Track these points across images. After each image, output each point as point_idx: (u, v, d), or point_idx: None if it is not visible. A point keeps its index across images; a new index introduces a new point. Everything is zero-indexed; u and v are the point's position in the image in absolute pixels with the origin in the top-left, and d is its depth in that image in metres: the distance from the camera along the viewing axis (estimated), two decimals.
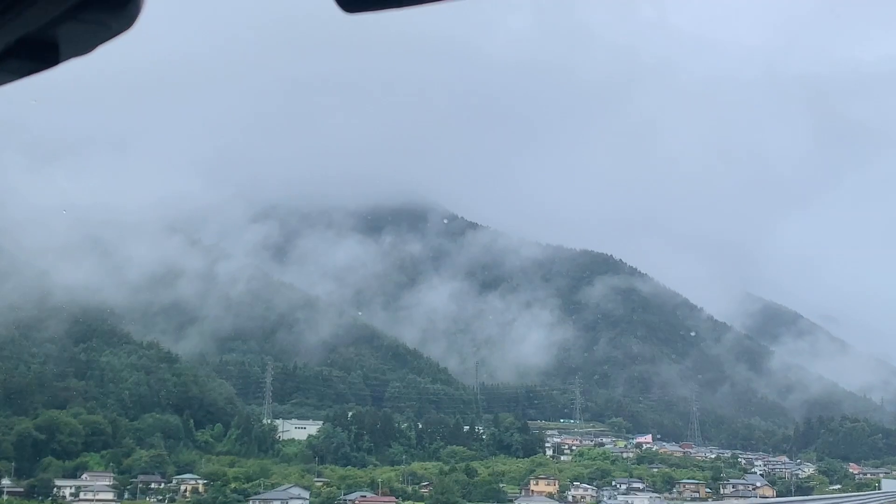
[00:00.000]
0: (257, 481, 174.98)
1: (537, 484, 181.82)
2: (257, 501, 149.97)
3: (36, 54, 2.03)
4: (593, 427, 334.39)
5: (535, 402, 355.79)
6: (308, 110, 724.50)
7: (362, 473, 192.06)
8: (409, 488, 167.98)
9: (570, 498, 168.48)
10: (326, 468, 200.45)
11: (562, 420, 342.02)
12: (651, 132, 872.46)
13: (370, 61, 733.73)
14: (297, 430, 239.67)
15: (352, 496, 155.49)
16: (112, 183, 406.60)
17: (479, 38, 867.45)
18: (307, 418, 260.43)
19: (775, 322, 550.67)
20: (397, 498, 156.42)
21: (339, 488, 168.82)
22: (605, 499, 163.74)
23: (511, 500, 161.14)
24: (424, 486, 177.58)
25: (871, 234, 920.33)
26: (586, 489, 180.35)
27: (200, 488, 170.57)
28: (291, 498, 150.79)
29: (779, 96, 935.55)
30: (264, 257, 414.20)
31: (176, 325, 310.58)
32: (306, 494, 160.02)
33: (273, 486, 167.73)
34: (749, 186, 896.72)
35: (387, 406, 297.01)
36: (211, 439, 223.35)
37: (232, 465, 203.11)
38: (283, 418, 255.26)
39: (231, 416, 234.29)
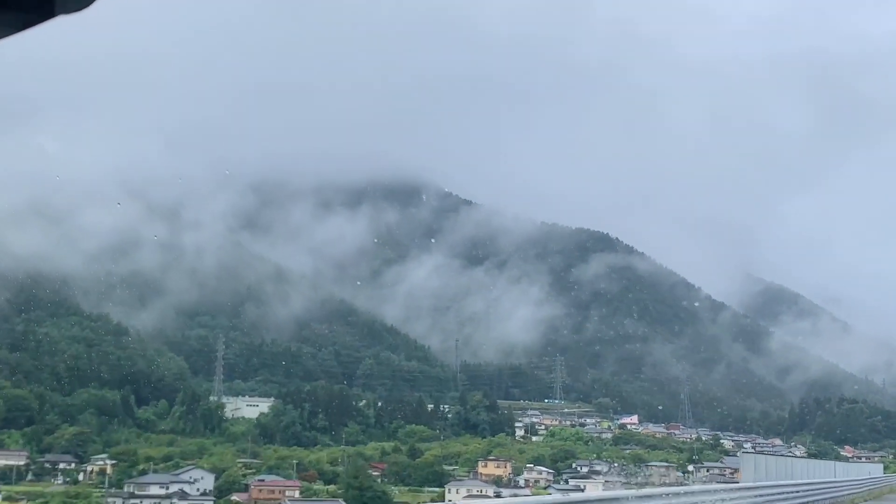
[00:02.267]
0: (173, 462, 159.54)
1: (486, 466, 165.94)
2: (133, 485, 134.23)
3: (29, 5, 1.89)
4: (578, 407, 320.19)
5: (520, 381, 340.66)
6: (298, 84, 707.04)
7: (306, 454, 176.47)
8: (340, 469, 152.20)
9: (521, 482, 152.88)
10: (268, 448, 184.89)
11: (546, 400, 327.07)
12: (651, 108, 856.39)
13: (362, 34, 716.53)
14: (250, 409, 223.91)
15: (262, 478, 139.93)
16: (69, 148, 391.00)
17: (475, 12, 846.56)
18: (270, 396, 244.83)
19: (776, 303, 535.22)
20: (327, 482, 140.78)
21: (258, 471, 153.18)
22: (560, 482, 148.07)
23: (450, 482, 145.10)
24: (371, 466, 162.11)
25: (877, 215, 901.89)
26: (541, 472, 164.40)
27: (108, 469, 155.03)
28: (179, 483, 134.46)
29: (783, 72, 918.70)
30: (238, 229, 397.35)
31: (136, 296, 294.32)
32: (210, 477, 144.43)
33: (179, 467, 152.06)
34: (752, 165, 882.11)
35: (357, 384, 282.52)
36: (153, 417, 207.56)
37: (170, 444, 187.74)
38: (238, 395, 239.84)
39: (186, 394, 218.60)
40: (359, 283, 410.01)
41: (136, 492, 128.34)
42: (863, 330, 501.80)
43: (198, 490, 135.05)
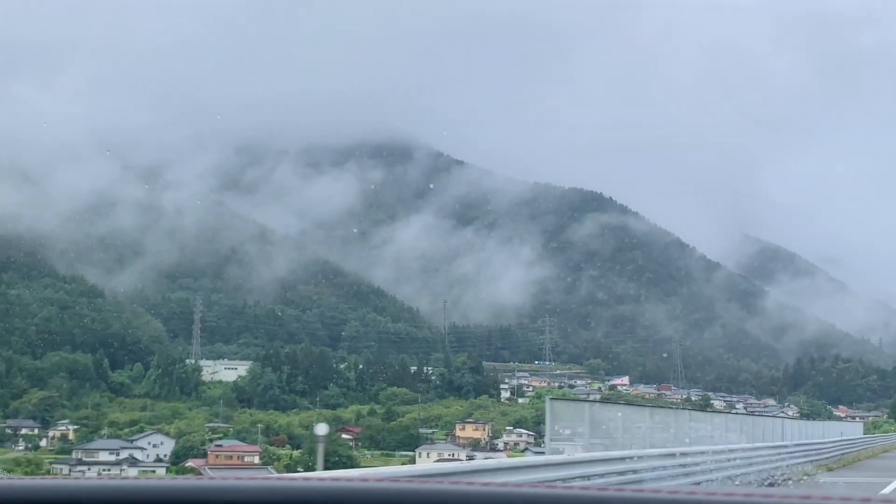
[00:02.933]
0: (137, 426, 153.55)
1: (464, 429, 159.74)
2: (81, 451, 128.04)
3: None
4: (569, 369, 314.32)
5: (510, 342, 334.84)
6: (284, 41, 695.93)
7: (281, 417, 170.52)
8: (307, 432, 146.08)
9: (500, 445, 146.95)
10: (244, 412, 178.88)
11: (536, 362, 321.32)
12: (646, 64, 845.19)
13: None
14: (229, 372, 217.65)
15: (220, 443, 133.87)
16: (44, 104, 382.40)
17: None
18: (250, 359, 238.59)
19: (772, 262, 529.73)
20: (298, 446, 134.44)
21: (225, 435, 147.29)
22: (542, 445, 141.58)
23: (421, 446, 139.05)
24: (347, 430, 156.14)
25: (876, 174, 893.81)
26: (521, 435, 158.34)
27: (70, 435, 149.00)
28: (131, 448, 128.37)
29: (781, 25, 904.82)
30: (221, 190, 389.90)
31: (115, 258, 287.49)
32: (171, 442, 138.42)
33: (140, 432, 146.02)
34: (749, 122, 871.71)
35: (343, 347, 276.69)
36: (128, 381, 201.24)
37: (143, 408, 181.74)
38: (218, 359, 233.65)
39: (161, 357, 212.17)
40: (346, 243, 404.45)
41: (84, 458, 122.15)
42: (860, 290, 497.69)
43: (148, 456, 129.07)
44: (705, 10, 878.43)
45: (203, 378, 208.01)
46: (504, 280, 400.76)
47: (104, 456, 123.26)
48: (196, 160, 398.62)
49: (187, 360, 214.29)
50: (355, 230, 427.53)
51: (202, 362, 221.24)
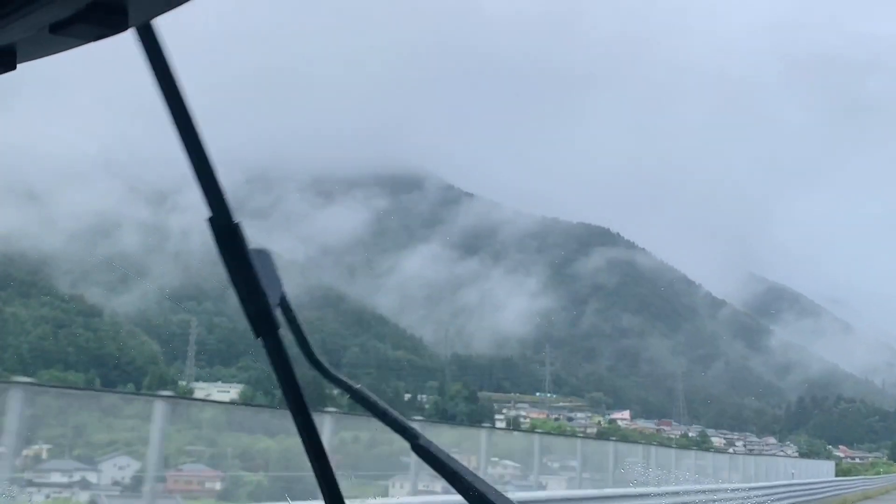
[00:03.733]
0: (113, 447, 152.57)
1: None
2: (32, 472, 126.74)
3: (105, 19, 1.73)
4: (570, 401, 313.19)
5: (512, 373, 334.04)
6: (295, 69, 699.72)
7: (262, 442, 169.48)
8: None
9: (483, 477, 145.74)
10: (231, 436, 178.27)
11: (537, 393, 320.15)
12: (657, 105, 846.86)
13: (363, 21, 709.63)
14: (221, 395, 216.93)
15: (182, 467, 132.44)
16: (49, 122, 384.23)
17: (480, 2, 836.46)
18: (247, 383, 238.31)
19: (777, 302, 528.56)
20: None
21: (198, 459, 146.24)
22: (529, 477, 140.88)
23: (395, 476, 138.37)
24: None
25: (881, 216, 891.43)
26: (506, 467, 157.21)
27: (44, 454, 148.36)
28: (84, 470, 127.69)
29: (789, 71, 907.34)
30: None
31: (119, 279, 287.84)
32: (137, 465, 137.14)
33: (105, 454, 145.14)
34: (758, 163, 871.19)
35: (343, 373, 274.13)
36: (119, 402, 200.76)
37: (132, 429, 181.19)
38: (216, 381, 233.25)
39: (153, 378, 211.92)
40: (352, 271, 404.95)
41: (35, 479, 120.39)
42: (864, 330, 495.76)
43: (102, 479, 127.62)
44: (715, 53, 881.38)
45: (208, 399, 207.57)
46: (508, 311, 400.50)
47: (56, 477, 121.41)
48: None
49: (180, 382, 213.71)
50: (362, 258, 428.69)
51: (196, 384, 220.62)
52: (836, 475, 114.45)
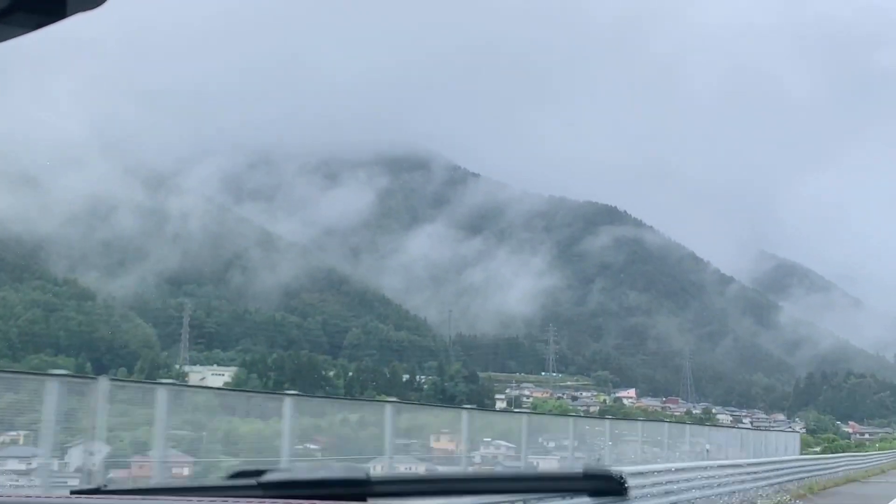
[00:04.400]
0: (88, 434, 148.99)
1: (438, 440, 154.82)
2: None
3: (42, 6, 1.87)
4: (576, 380, 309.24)
5: (517, 353, 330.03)
6: (300, 48, 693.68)
7: (248, 425, 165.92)
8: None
9: (477, 457, 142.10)
10: (223, 420, 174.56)
11: (543, 373, 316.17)
12: (664, 78, 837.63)
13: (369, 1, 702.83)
14: (216, 378, 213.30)
15: (149, 452, 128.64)
16: (42, 104, 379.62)
17: None
18: (242, 366, 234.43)
19: (787, 278, 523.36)
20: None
21: (178, 444, 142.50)
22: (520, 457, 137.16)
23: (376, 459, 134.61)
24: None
25: (893, 190, 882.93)
26: (499, 446, 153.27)
27: (21, 441, 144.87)
28: (42, 456, 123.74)
29: (800, 43, 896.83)
30: (227, 195, 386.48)
31: (116, 262, 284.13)
32: (104, 449, 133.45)
33: (78, 442, 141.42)
34: (766, 138, 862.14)
35: (343, 354, 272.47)
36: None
37: (122, 413, 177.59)
38: (211, 364, 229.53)
39: (145, 361, 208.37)
40: (355, 252, 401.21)
41: None
42: (875, 306, 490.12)
43: (64, 467, 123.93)
44: (722, 29, 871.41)
45: (189, 384, 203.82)
46: (514, 291, 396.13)
47: (14, 464, 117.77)
48: (205, 167, 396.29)
49: (175, 366, 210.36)
50: (366, 239, 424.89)
51: (189, 367, 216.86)
52: (848, 451, 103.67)
